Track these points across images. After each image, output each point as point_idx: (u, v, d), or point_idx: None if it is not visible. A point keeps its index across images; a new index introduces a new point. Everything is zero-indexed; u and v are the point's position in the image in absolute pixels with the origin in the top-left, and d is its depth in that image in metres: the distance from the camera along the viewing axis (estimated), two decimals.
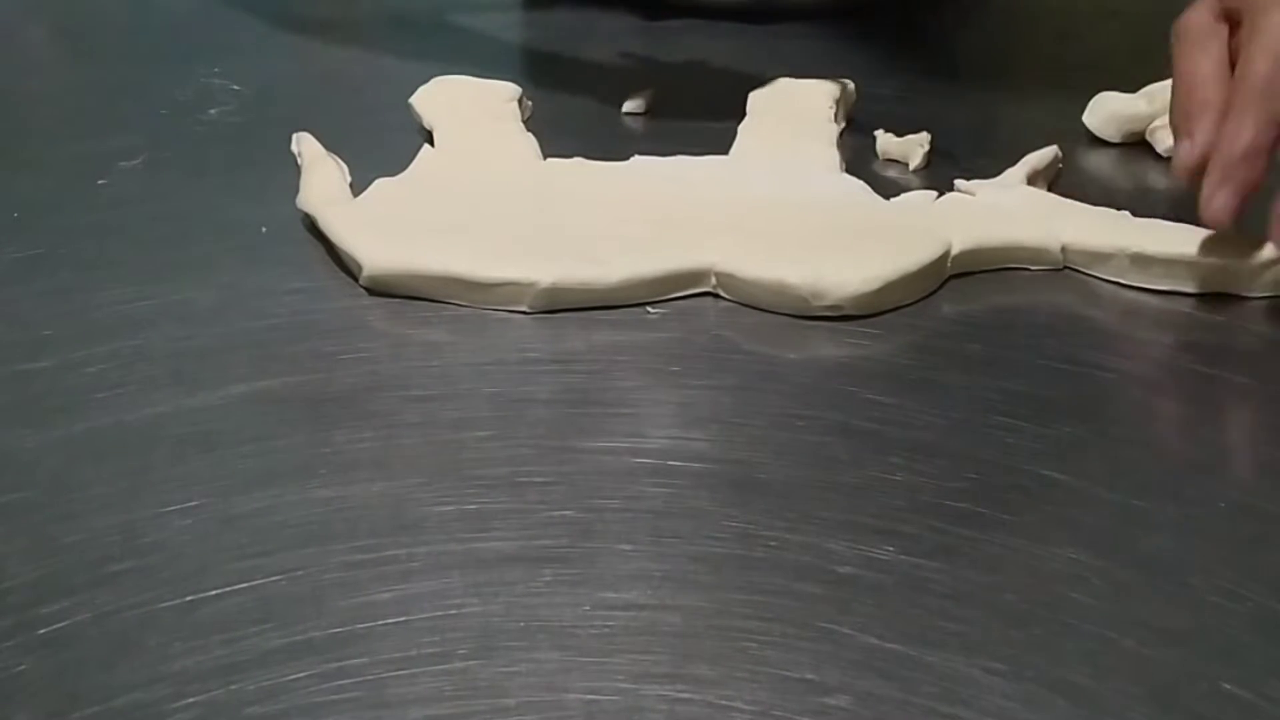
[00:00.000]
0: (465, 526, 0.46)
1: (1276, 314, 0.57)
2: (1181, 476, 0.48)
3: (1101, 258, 0.59)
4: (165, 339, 0.55)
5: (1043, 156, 0.66)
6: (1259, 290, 0.57)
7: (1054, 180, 0.66)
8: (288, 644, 0.41)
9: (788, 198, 0.63)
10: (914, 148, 0.68)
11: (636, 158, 0.67)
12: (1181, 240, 0.58)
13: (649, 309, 0.57)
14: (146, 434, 0.50)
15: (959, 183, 0.64)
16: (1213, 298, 0.58)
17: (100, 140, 0.72)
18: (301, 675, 0.40)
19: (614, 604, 0.42)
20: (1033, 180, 0.65)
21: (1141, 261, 0.58)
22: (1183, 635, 0.41)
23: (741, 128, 0.69)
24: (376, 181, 0.63)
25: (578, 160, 0.66)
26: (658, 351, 0.55)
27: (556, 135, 0.69)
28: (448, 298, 0.58)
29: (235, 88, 0.74)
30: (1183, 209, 0.65)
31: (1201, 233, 0.58)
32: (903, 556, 0.44)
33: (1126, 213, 0.60)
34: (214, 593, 0.43)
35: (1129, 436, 0.50)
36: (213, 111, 0.74)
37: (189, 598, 0.43)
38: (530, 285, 0.57)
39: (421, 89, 0.73)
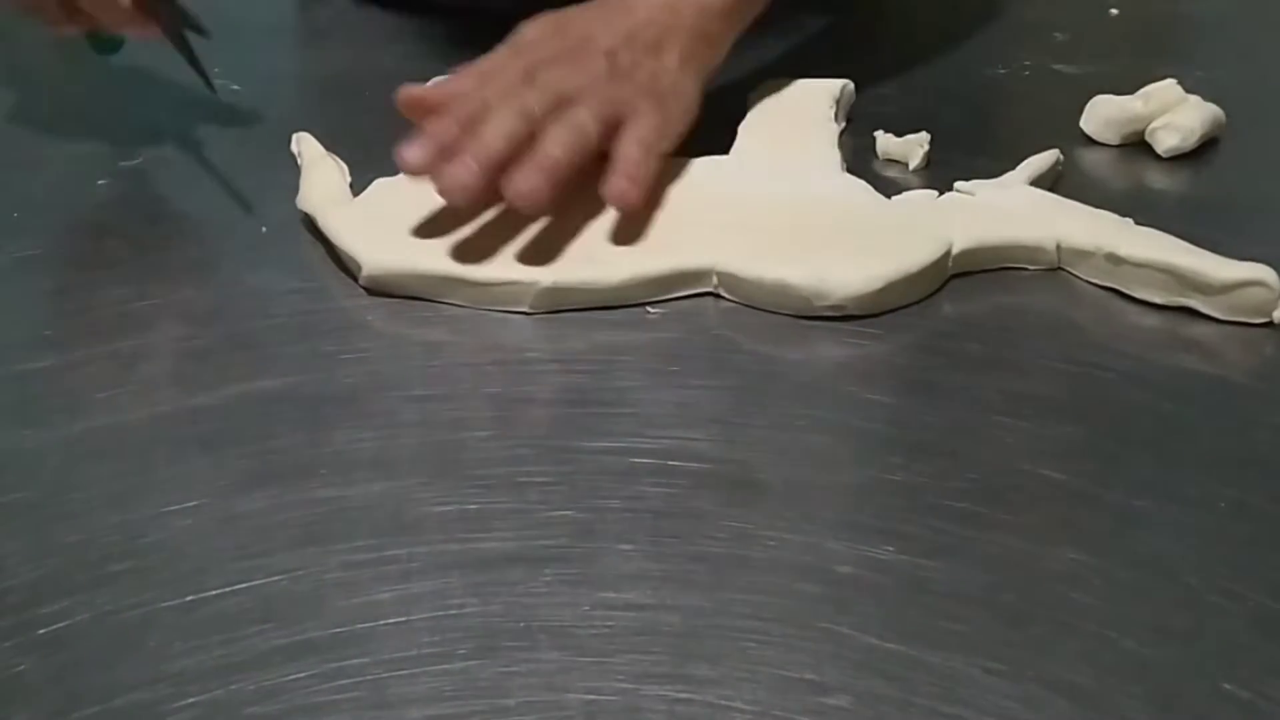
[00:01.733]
0: (465, 526, 0.46)
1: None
2: (1181, 476, 0.48)
3: (1084, 256, 0.59)
4: (165, 339, 0.55)
5: (1043, 160, 0.66)
6: (1220, 312, 0.56)
7: (1054, 183, 0.66)
8: (288, 644, 0.41)
9: (788, 198, 0.62)
10: (914, 148, 0.68)
11: None
12: (1156, 248, 0.57)
13: (649, 309, 0.57)
14: (146, 434, 0.50)
15: (959, 184, 0.64)
16: None
17: (100, 140, 0.72)
18: (301, 675, 0.40)
19: (614, 604, 0.43)
20: (1034, 184, 0.65)
21: (1115, 262, 0.58)
22: (1183, 635, 0.41)
23: (741, 128, 0.69)
24: (376, 181, 0.63)
25: None
26: (658, 351, 0.55)
27: None
28: (447, 298, 0.58)
29: (235, 88, 0.74)
30: (1184, 210, 0.65)
31: (1180, 246, 0.58)
32: (903, 556, 0.44)
33: (1129, 220, 0.60)
34: (214, 593, 0.43)
35: (1129, 436, 0.50)
36: (212, 112, 0.73)
37: (189, 598, 0.43)
38: (530, 285, 0.57)
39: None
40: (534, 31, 0.65)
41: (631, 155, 0.60)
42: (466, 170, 0.57)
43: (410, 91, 0.62)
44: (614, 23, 0.65)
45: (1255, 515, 0.46)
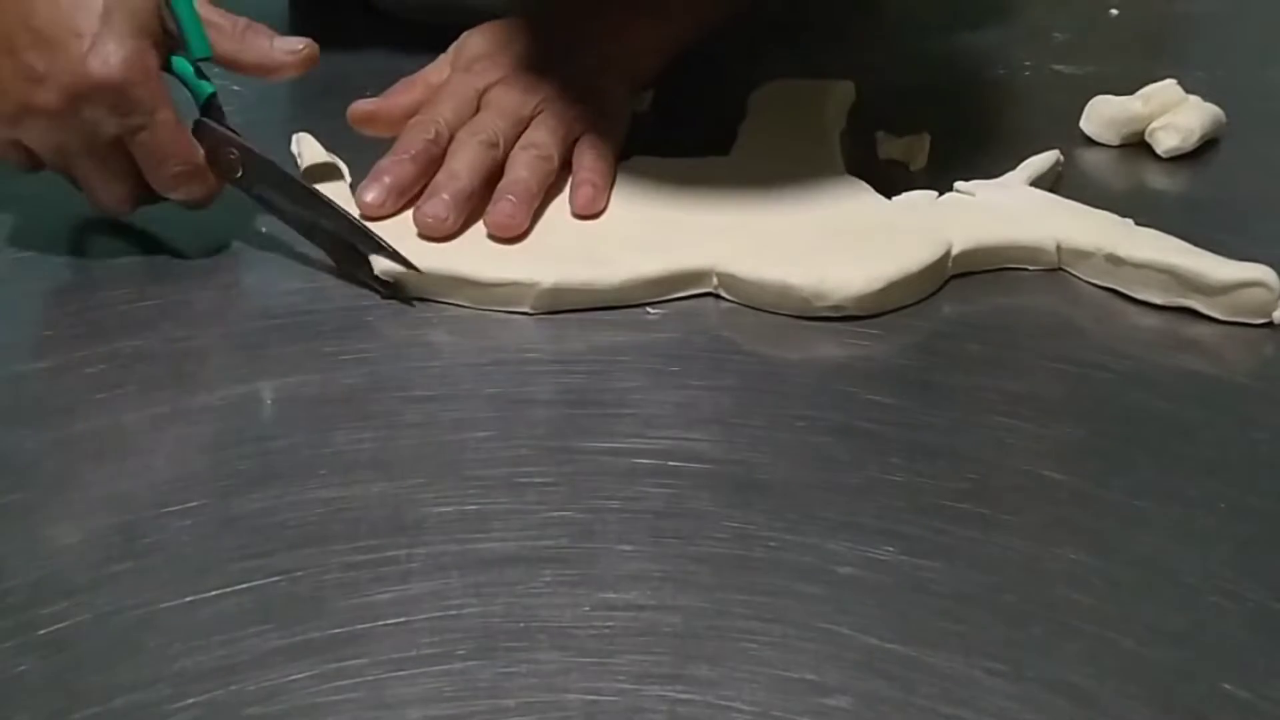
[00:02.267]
0: (465, 527, 0.46)
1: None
2: (1181, 476, 0.48)
3: (1084, 256, 0.59)
4: (165, 339, 0.55)
5: (1043, 160, 0.66)
6: (1220, 312, 0.56)
7: (1054, 183, 0.66)
8: (288, 644, 0.41)
9: (788, 198, 0.63)
10: (914, 148, 0.68)
11: (636, 158, 0.67)
12: (1156, 248, 0.58)
13: (649, 309, 0.57)
14: (146, 434, 0.50)
15: (959, 184, 0.64)
16: None
17: None
18: (301, 675, 0.40)
19: (614, 604, 0.43)
20: (1034, 184, 0.65)
21: (1115, 263, 0.58)
22: (1183, 635, 0.41)
23: (742, 128, 0.69)
24: None
25: None
26: (658, 352, 0.55)
27: None
28: (449, 298, 0.58)
29: (235, 88, 0.73)
30: (1184, 210, 0.65)
31: (1180, 246, 0.58)
32: (903, 557, 0.44)
33: (1129, 220, 0.60)
34: (214, 593, 0.43)
35: (1129, 436, 0.50)
36: None
37: (189, 598, 0.43)
38: (532, 285, 0.57)
39: None
40: (479, 45, 0.67)
41: (594, 165, 0.63)
42: (443, 206, 0.59)
43: (361, 106, 0.65)
44: (557, 39, 0.67)
45: (1255, 515, 0.46)
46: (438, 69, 0.67)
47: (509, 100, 0.64)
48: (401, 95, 0.66)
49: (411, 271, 0.57)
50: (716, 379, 0.53)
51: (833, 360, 0.55)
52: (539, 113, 0.64)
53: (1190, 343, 0.55)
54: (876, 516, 0.46)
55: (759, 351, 0.55)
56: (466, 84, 0.65)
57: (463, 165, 0.60)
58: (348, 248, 0.58)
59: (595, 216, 0.61)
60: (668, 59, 0.71)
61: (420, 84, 0.66)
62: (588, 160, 0.63)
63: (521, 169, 0.61)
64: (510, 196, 0.59)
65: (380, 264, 0.57)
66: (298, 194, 0.59)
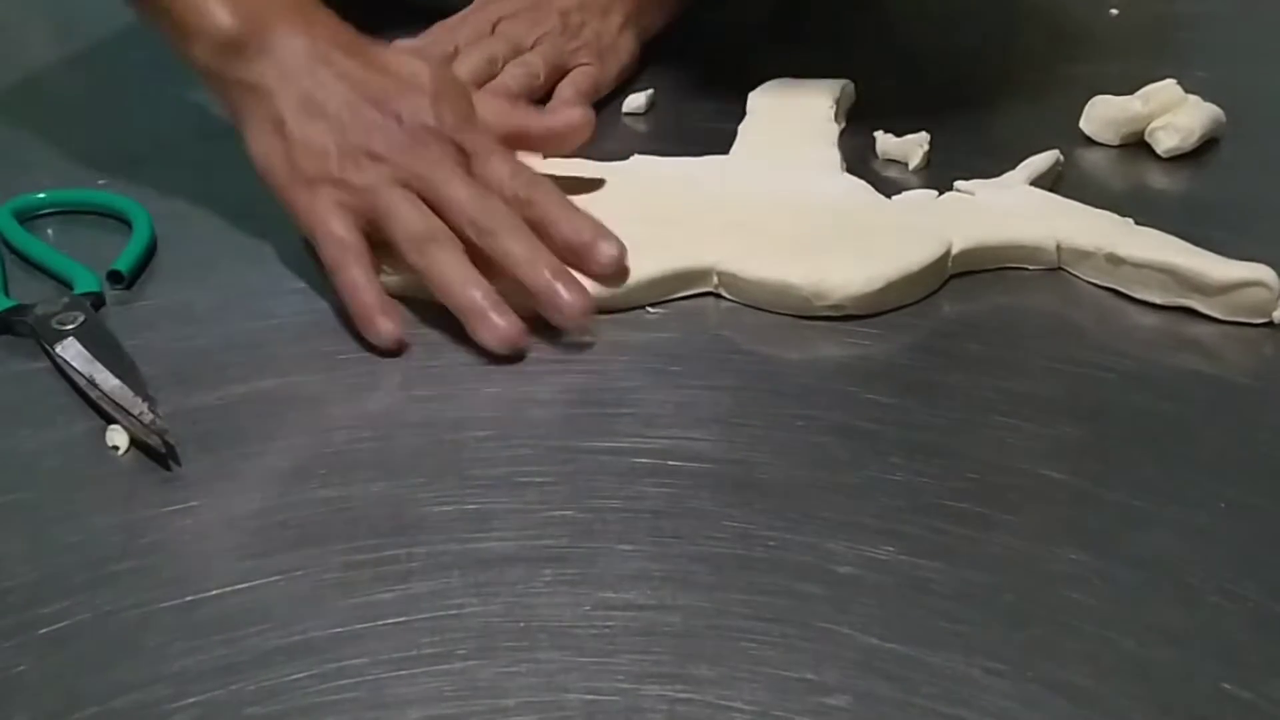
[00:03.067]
0: (465, 526, 0.46)
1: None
2: (1181, 476, 0.48)
3: (1084, 256, 0.59)
4: (165, 339, 0.55)
5: (1043, 160, 0.66)
6: (1220, 312, 0.56)
7: (1054, 183, 0.66)
8: (288, 644, 0.41)
9: (788, 198, 0.63)
10: (914, 148, 0.68)
11: (636, 157, 0.67)
12: (1156, 248, 0.58)
13: (649, 309, 0.57)
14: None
15: (959, 183, 0.64)
16: None
17: (100, 140, 0.72)
18: (301, 675, 0.40)
19: (614, 604, 0.43)
20: (1034, 184, 0.65)
21: (1115, 262, 0.58)
22: (1183, 635, 0.41)
23: (741, 128, 0.69)
24: None
25: (578, 160, 0.66)
26: (658, 351, 0.55)
27: None
28: None
29: None
30: (1184, 210, 0.65)
31: (1180, 246, 0.58)
32: (903, 557, 0.44)
33: (1129, 220, 0.60)
34: (214, 593, 0.43)
35: (1129, 436, 0.50)
36: (213, 111, 0.74)
37: (189, 598, 0.43)
38: None
39: None
40: None
41: (567, 96, 0.73)
42: None
43: (401, 46, 0.72)
44: None
45: (1255, 515, 0.46)
46: (465, 11, 0.77)
47: (514, 30, 0.75)
48: (432, 31, 0.76)
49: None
50: (716, 379, 0.53)
51: (833, 360, 0.55)
52: (539, 44, 0.74)
53: (1190, 343, 0.55)
54: (876, 516, 0.46)
55: (759, 351, 0.55)
56: (482, 17, 0.76)
57: (463, 70, 0.70)
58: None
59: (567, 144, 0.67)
60: (677, 9, 0.80)
61: (448, 23, 0.76)
62: (564, 91, 0.73)
63: (507, 77, 0.72)
64: (488, 91, 0.69)
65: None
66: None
